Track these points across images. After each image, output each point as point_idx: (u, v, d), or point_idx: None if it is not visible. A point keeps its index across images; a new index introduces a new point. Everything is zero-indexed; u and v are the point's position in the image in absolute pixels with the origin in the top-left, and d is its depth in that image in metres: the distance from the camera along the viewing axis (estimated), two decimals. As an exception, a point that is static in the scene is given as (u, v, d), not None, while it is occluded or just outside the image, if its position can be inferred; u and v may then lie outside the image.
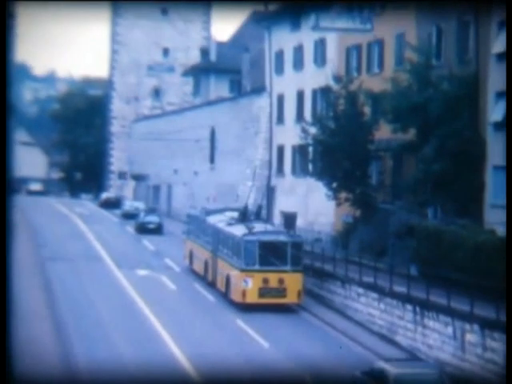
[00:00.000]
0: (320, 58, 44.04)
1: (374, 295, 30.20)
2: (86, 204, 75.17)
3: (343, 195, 37.07)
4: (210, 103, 62.00)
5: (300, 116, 44.61)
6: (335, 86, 37.80)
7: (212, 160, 58.11)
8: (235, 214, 36.44)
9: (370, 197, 36.58)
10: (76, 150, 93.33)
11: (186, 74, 73.90)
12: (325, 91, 39.81)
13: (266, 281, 31.78)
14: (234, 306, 32.20)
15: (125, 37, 78.74)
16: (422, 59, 32.91)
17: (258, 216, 37.30)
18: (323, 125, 37.38)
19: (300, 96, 45.89)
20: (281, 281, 31.82)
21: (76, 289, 34.44)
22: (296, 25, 46.61)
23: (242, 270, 32.00)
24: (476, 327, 23.78)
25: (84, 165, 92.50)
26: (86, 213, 64.69)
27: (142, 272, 38.83)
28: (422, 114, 31.72)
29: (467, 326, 24.20)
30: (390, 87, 33.48)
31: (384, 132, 35.18)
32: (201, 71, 68.65)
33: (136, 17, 78.23)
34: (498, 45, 29.29)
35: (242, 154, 52.03)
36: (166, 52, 79.03)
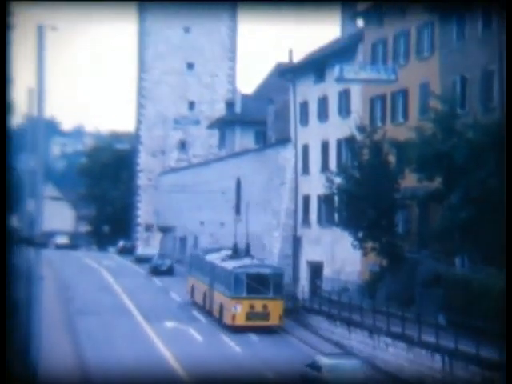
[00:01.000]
0: (344, 109, 44.32)
1: (403, 345, 29.95)
2: (113, 257, 75.47)
3: (369, 244, 36.97)
4: (235, 155, 62.39)
5: (325, 166, 44.78)
6: (360, 136, 37.97)
7: (238, 211, 58.26)
8: (229, 252, 42.85)
9: (397, 246, 36.46)
10: (103, 203, 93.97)
11: (211, 126, 74.54)
12: (349, 141, 39.99)
13: (252, 306, 37.55)
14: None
15: (151, 91, 79.76)
16: (447, 108, 33.02)
17: (247, 253, 43.02)
18: (348, 174, 37.48)
19: (325, 146, 46.12)
20: (265, 306, 37.63)
21: (104, 341, 34.45)
22: (320, 76, 47.05)
23: (232, 298, 37.84)
24: (506, 377, 23.46)
25: (111, 218, 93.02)
26: (114, 265, 64.91)
27: (169, 324, 38.83)
28: (448, 163, 31.71)
29: (496, 376, 23.90)
30: (414, 136, 33.56)
31: (409, 180, 35.19)
32: (226, 123, 69.21)
33: (162, 72, 79.36)
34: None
35: (267, 204, 52.16)
36: (191, 105, 79.88)
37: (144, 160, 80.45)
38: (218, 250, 45.22)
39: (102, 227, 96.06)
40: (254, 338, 36.56)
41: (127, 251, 76.87)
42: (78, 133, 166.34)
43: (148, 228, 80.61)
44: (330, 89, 44.91)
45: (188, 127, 79.48)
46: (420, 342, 28.66)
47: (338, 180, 38.26)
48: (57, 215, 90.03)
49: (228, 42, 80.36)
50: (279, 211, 50.58)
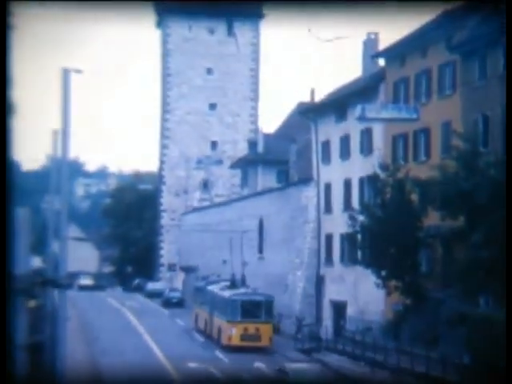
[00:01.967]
0: (366, 147, 44.41)
1: (428, 385, 29.66)
2: (137, 297, 75.49)
3: (393, 283, 36.80)
4: (257, 194, 62.52)
5: (347, 204, 44.77)
6: (382, 174, 37.98)
7: (261, 250, 58.23)
8: (227, 283, 47.50)
9: (420, 285, 36.25)
10: (126, 243, 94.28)
11: (233, 166, 74.84)
12: (372, 179, 40.01)
13: (245, 329, 42.13)
14: None
15: (174, 132, 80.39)
16: (469, 146, 33.00)
17: (243, 283, 47.49)
18: (371, 213, 37.44)
19: (347, 185, 46.16)
20: (257, 329, 42.21)
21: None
22: (342, 115, 47.25)
23: (229, 322, 42.65)
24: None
25: (134, 258, 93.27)
26: (137, 306, 64.90)
27: (191, 364, 38.69)
28: (470, 201, 31.62)
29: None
30: (436, 175, 33.53)
31: (432, 219, 35.10)
32: (248, 163, 69.47)
33: (185, 112, 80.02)
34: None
35: (290, 243, 52.12)
36: (214, 145, 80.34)
37: (167, 200, 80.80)
38: (218, 281, 50.68)
39: (125, 267, 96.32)
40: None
41: (141, 288, 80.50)
42: (101, 173, 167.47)
43: (171, 268, 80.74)
44: (352, 127, 45.06)
45: (210, 167, 79.87)
46: (445, 383, 28.36)
47: (360, 218, 38.23)
48: (81, 256, 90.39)
49: (250, 82, 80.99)
50: (302, 250, 50.51)
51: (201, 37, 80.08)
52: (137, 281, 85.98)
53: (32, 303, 20.00)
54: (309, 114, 53.98)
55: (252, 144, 71.32)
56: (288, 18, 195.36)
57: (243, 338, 42.04)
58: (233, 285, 46.76)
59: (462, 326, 30.50)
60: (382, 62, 45.90)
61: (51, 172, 27.02)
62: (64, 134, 18.58)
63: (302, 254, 50.38)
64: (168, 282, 79.23)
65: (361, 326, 39.92)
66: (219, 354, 41.81)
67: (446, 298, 34.27)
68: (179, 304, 65.24)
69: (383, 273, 36.91)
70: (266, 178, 65.46)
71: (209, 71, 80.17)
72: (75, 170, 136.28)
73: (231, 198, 74.19)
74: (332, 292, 47.49)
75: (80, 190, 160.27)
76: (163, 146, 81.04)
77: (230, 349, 41.44)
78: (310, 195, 50.67)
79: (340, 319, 45.61)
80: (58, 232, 18.98)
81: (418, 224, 36.36)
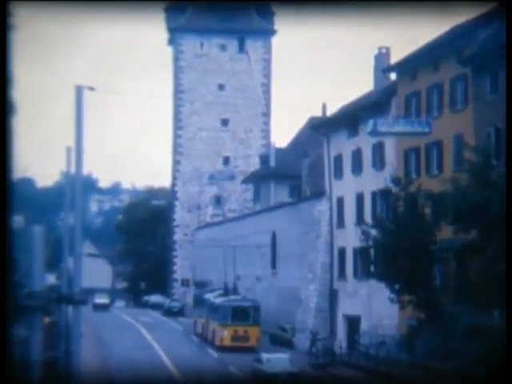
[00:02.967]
0: (378, 161, 44.43)
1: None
2: (150, 313, 75.56)
3: (406, 297, 36.70)
4: (270, 209, 62.57)
5: (360, 218, 44.74)
6: (394, 188, 37.97)
7: (274, 265, 58.24)
8: (221, 291, 53.37)
9: (434, 299, 36.13)
10: (140, 259, 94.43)
11: (246, 181, 74.97)
12: (384, 193, 40.00)
13: (235, 331, 47.67)
14: None
15: (186, 147, 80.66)
16: (481, 159, 32.97)
17: (234, 291, 53.07)
18: (383, 227, 37.39)
19: (359, 199, 46.16)
20: (245, 331, 47.71)
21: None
22: (354, 130, 47.31)
23: (221, 325, 48.36)
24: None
25: (148, 274, 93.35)
26: (150, 321, 64.96)
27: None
28: (483, 214, 31.56)
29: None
30: (449, 188, 33.49)
31: (446, 232, 35.04)
32: (261, 178, 69.58)
33: (197, 128, 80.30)
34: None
35: (303, 258, 52.10)
36: (226, 160, 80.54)
37: (180, 215, 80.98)
38: (213, 290, 56.71)
39: (138, 283, 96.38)
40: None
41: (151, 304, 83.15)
42: (115, 190, 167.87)
43: (184, 283, 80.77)
44: (364, 142, 45.11)
45: (223, 182, 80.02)
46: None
47: (373, 232, 38.19)
48: (95, 272, 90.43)
49: (262, 97, 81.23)
50: (315, 264, 50.49)
51: (213, 53, 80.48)
52: (145, 298, 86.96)
53: (47, 320, 20.10)
54: (321, 128, 54.07)
55: (264, 159, 71.46)
56: (299, 34, 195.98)
57: (233, 339, 47.53)
58: (225, 293, 52.56)
59: (477, 339, 30.38)
60: (393, 76, 46.00)
61: (65, 189, 27.18)
62: (77, 150, 18.72)
63: (315, 269, 50.36)
64: (182, 297, 79.29)
65: (375, 340, 39.82)
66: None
67: (460, 311, 34.16)
68: (179, 313, 71.10)
69: (396, 287, 36.82)
70: (278, 193, 65.53)
71: (221, 87, 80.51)
72: (89, 186, 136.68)
73: (244, 212, 74.28)
74: (345, 306, 47.42)
75: (94, 207, 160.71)
76: (176, 162, 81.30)
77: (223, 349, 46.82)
78: (322, 209, 50.69)
79: (354, 333, 45.52)
80: (73, 248, 19.07)
81: (431, 238, 36.26)
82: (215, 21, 79.92)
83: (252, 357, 40.70)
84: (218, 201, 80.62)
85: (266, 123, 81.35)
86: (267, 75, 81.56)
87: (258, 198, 70.91)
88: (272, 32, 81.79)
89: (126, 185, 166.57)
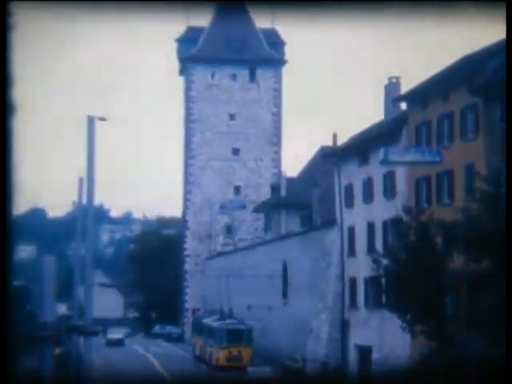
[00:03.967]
0: (389, 190, 44.43)
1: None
2: (161, 343, 75.38)
3: (418, 327, 36.51)
4: (281, 238, 62.51)
5: (371, 248, 44.64)
6: (405, 218, 37.91)
7: (285, 295, 58.07)
8: (218, 316, 57.57)
9: (446, 328, 35.93)
10: (151, 289, 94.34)
11: (257, 210, 75.01)
12: (395, 222, 39.94)
13: (230, 352, 52.26)
14: None
15: (197, 177, 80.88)
16: (492, 188, 32.93)
17: (230, 316, 57.09)
18: (394, 256, 37.29)
19: (370, 228, 46.09)
20: (239, 352, 52.35)
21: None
22: (364, 159, 47.36)
23: (217, 347, 52.99)
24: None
25: (159, 304, 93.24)
26: (161, 352, 64.79)
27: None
28: (495, 244, 31.46)
29: None
30: (460, 217, 33.42)
31: (457, 262, 34.91)
32: (272, 207, 69.61)
33: (208, 158, 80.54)
34: None
35: (314, 287, 51.95)
36: (237, 190, 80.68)
37: (191, 245, 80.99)
38: (211, 315, 60.66)
39: (149, 313, 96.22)
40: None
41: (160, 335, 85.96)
42: (126, 219, 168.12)
43: (195, 313, 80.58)
44: (375, 171, 45.14)
45: (234, 211, 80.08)
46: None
47: (384, 262, 38.08)
48: (106, 302, 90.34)
49: (272, 126, 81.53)
50: (326, 294, 50.33)
51: (223, 83, 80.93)
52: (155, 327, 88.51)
53: (58, 350, 20.10)
54: (331, 157, 54.14)
55: (275, 188, 71.54)
56: (310, 64, 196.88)
57: (228, 359, 52.03)
58: (222, 317, 56.99)
59: (490, 369, 30.14)
60: (403, 105, 46.11)
61: (77, 219, 27.25)
62: (89, 181, 18.82)
63: (326, 298, 50.19)
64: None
65: (386, 370, 39.52)
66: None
67: (474, 341, 33.94)
68: (179, 339, 77.19)
69: (408, 317, 36.65)
70: (289, 222, 65.52)
71: (232, 117, 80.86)
72: (100, 216, 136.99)
73: (255, 242, 74.22)
74: (357, 336, 47.19)
75: (105, 236, 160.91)
76: (187, 191, 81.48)
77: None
78: (333, 239, 50.63)
79: (365, 364, 45.26)
80: (84, 278, 19.13)
81: (443, 267, 36.13)
82: (226, 51, 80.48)
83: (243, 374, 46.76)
84: (229, 230, 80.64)
85: (277, 152, 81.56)
86: (278, 104, 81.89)
87: (268, 228, 70.88)
88: (283, 62, 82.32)
89: (137, 214, 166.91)
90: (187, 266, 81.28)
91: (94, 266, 18.59)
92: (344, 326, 48.75)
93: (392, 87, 46.76)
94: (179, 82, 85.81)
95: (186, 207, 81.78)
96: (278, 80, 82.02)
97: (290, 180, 69.83)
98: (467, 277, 34.69)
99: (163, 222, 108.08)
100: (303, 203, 62.90)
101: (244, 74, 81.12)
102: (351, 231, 48.72)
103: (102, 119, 21.40)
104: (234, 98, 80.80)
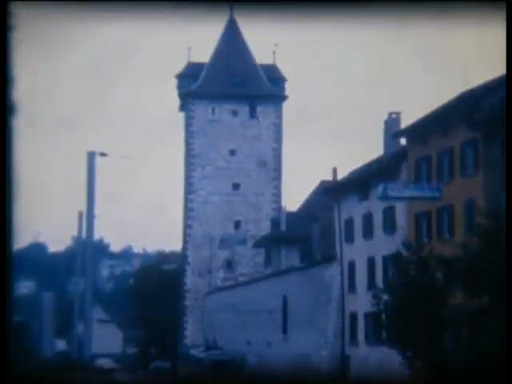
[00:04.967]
0: (389, 225, 44.43)
1: None
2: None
3: (418, 364, 36.29)
4: (281, 273, 62.39)
5: (371, 283, 44.56)
6: (405, 253, 37.85)
7: (285, 330, 57.81)
8: (204, 347, 64.46)
9: (446, 365, 35.71)
10: (150, 324, 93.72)
11: (257, 244, 74.93)
12: (395, 258, 39.87)
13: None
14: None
15: (198, 212, 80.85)
16: (492, 223, 32.91)
17: (215, 347, 64.15)
18: (395, 291, 37.18)
19: (371, 263, 46.03)
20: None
21: None
22: (364, 194, 47.44)
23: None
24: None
25: (158, 339, 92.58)
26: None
27: None
28: (494, 280, 31.38)
29: None
30: (460, 252, 33.38)
31: (458, 297, 34.79)
32: (272, 242, 69.55)
33: (208, 193, 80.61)
34: None
35: (314, 323, 51.75)
36: (237, 225, 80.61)
37: (191, 280, 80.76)
38: (198, 346, 66.80)
39: (149, 348, 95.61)
40: None
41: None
42: (126, 254, 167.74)
43: (194, 348, 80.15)
44: (375, 206, 45.17)
45: (234, 246, 79.98)
46: None
47: (384, 297, 37.95)
48: (105, 338, 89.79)
49: (273, 162, 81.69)
50: (326, 329, 50.12)
51: (224, 119, 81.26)
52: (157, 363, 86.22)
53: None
54: (331, 192, 54.23)
55: (275, 223, 71.50)
56: (310, 99, 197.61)
57: None
58: (207, 348, 64.13)
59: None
60: (403, 140, 46.26)
61: (77, 254, 27.26)
62: (89, 215, 18.85)
63: (327, 334, 49.99)
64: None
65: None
66: None
67: (474, 377, 33.71)
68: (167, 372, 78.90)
69: (408, 353, 36.46)
70: (289, 257, 65.43)
71: (232, 152, 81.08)
72: (100, 251, 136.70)
73: (255, 277, 74.05)
74: (357, 372, 46.89)
75: (105, 272, 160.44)
76: (187, 226, 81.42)
77: None
78: (333, 274, 50.53)
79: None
80: (83, 314, 19.07)
81: (443, 303, 36.00)
82: (227, 87, 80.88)
83: None
84: (229, 265, 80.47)
85: (277, 187, 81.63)
86: (278, 140, 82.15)
87: (269, 262, 70.76)
88: (283, 98, 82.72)
89: (137, 249, 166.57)
90: (187, 301, 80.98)
91: (94, 301, 18.56)
92: (344, 362, 48.48)
93: (392, 122, 46.96)
94: (180, 117, 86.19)
95: (186, 242, 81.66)
96: (279, 116, 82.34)
97: (290, 215, 69.85)
98: (468, 313, 34.54)
99: (163, 257, 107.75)
100: (303, 238, 62.87)
101: (244, 109, 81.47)
102: (351, 266, 48.65)
103: (103, 154, 21.50)
104: (234, 133, 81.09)
